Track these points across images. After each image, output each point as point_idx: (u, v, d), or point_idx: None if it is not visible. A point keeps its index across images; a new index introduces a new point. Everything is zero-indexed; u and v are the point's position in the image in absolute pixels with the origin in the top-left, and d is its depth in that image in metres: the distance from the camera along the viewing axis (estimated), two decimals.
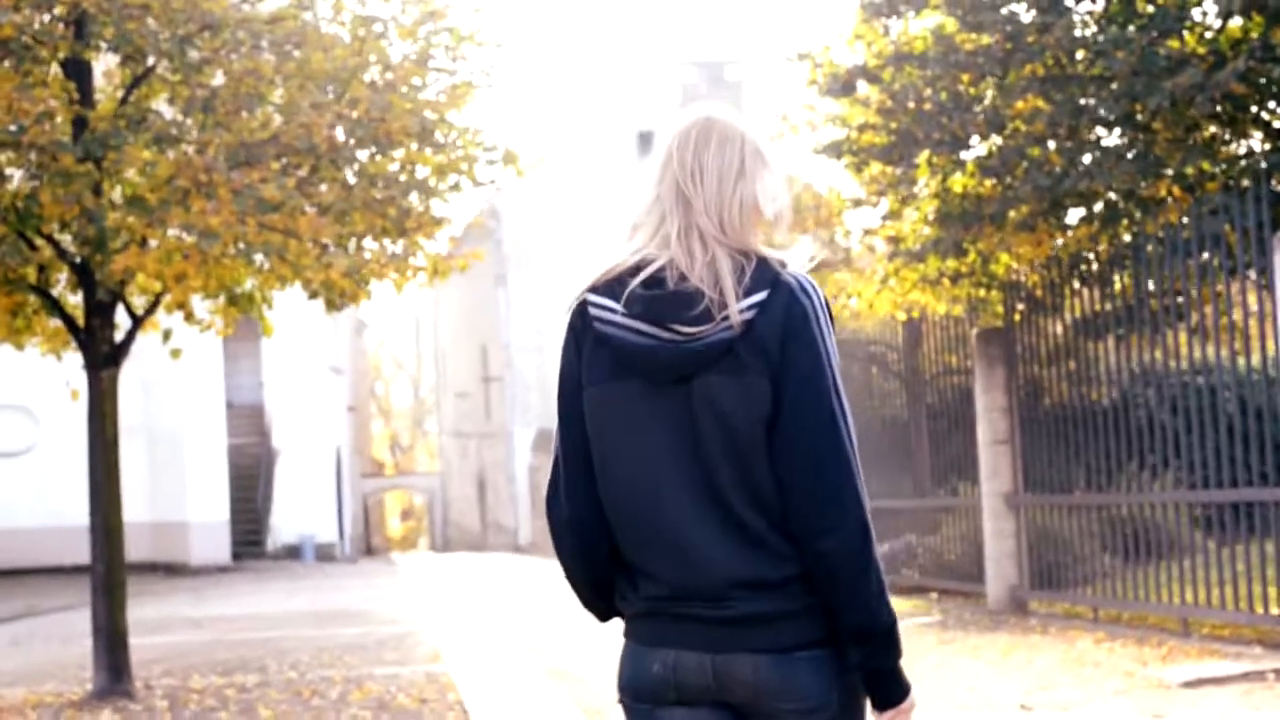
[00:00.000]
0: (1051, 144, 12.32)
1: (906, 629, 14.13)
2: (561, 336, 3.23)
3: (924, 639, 13.27)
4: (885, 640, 3.04)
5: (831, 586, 3.02)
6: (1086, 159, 12.26)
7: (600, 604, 3.28)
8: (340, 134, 11.03)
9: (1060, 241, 12.97)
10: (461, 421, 56.89)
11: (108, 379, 12.42)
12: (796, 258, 3.15)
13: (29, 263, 11.22)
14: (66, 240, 11.68)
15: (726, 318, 3.01)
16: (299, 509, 37.29)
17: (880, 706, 3.09)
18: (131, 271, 11.20)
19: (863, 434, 18.31)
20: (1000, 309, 14.06)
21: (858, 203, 15.06)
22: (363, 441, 59.55)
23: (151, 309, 12.45)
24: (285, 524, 36.81)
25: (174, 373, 32.37)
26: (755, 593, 3.04)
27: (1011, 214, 12.81)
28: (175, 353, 12.83)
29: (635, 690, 3.17)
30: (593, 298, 3.13)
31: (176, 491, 32.37)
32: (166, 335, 12.82)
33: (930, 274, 13.94)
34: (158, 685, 12.91)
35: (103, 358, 12.37)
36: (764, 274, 3.06)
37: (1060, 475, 13.68)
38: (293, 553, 36.53)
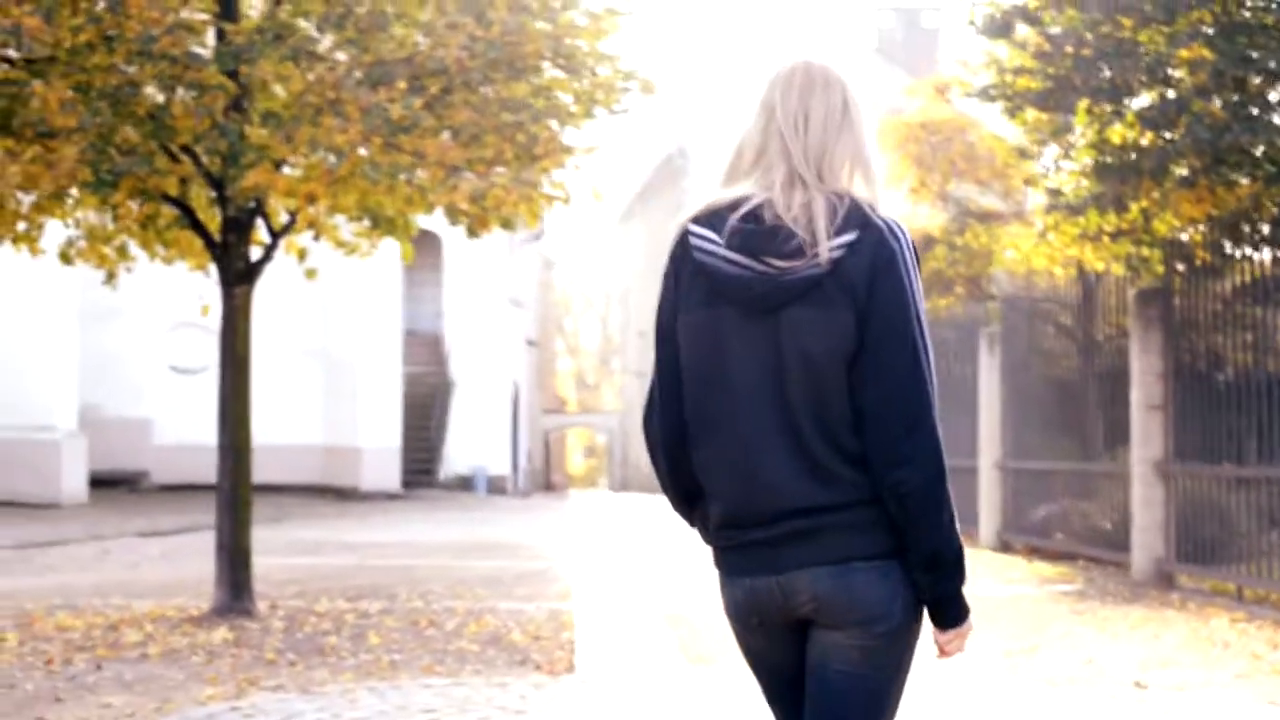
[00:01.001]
0: (1216, 97, 11.69)
1: (1044, 596, 13.67)
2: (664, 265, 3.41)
3: (1057, 607, 12.81)
4: (952, 567, 3.24)
5: (904, 514, 3.20)
6: (1252, 113, 11.61)
7: (688, 513, 3.51)
8: (470, 55, 10.81)
9: (1224, 200, 12.33)
10: (644, 361, 56.86)
11: (241, 296, 12.40)
12: (888, 202, 3.31)
13: (163, 174, 11.19)
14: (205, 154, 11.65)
15: (816, 254, 3.17)
16: (473, 440, 37.48)
17: (942, 626, 3.32)
18: (262, 189, 11.13)
19: (1029, 393, 17.79)
20: (1160, 269, 13.47)
21: (1022, 153, 14.53)
22: (546, 377, 59.83)
23: (286, 228, 12.40)
24: (459, 455, 37.03)
25: (353, 298, 32.77)
26: (807, 515, 3.24)
27: (1173, 169, 12.22)
28: (310, 273, 12.78)
29: (731, 615, 3.41)
30: (694, 228, 3.31)
31: (350, 417, 32.70)
32: (301, 255, 12.76)
33: (1090, 229, 13.38)
34: (284, 605, 12.95)
35: (237, 274, 12.35)
36: (855, 216, 3.21)
37: (1218, 445, 13.07)
38: (465, 484, 36.76)
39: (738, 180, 3.33)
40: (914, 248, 3.29)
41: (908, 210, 20.65)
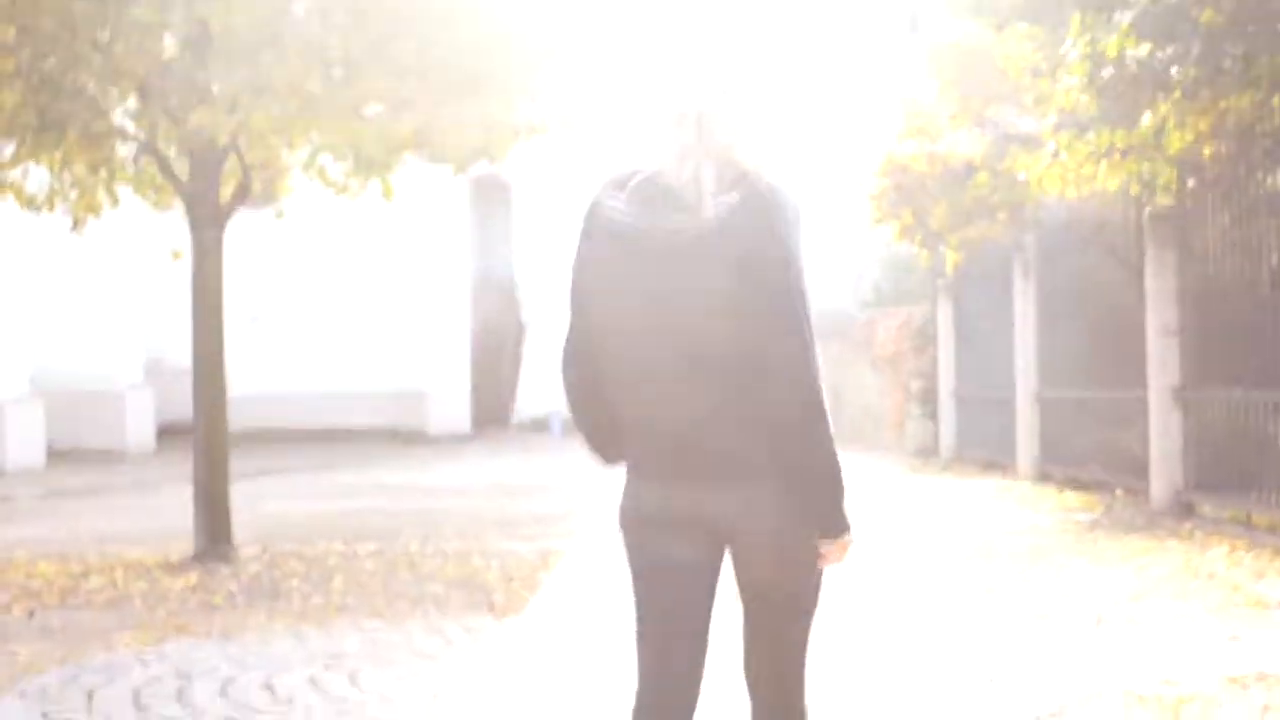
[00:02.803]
0: (1211, 7, 10.95)
1: (1055, 527, 13.14)
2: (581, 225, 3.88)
3: (1062, 539, 12.29)
4: (830, 486, 3.72)
5: (786, 441, 3.67)
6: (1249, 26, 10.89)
7: (600, 449, 4.01)
8: None
9: (1229, 112, 11.62)
10: None
11: (211, 240, 12.09)
12: (774, 167, 3.80)
13: (108, 116, 10.91)
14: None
15: (702, 214, 3.68)
16: (547, 383, 37.18)
17: (823, 536, 3.77)
18: (208, 130, 10.78)
19: (1067, 320, 17.14)
20: (1174, 186, 12.80)
21: (1035, 71, 13.89)
22: None
23: (250, 170, 12.06)
24: (533, 397, 36.73)
25: (420, 241, 32.56)
26: (713, 434, 3.71)
27: (1176, 79, 11.55)
28: (279, 213, 12.46)
29: (630, 517, 3.88)
30: (605, 192, 3.83)
31: (417, 361, 32.53)
32: (276, 195, 12.43)
33: (1100, 147, 12.74)
34: (274, 550, 12.70)
35: (205, 218, 12.03)
36: (740, 181, 3.71)
37: (1236, 369, 12.39)
38: (539, 426, 36.44)
39: (647, 151, 3.83)
40: (797, 208, 3.73)
41: (948, 138, 19.99)
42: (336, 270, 32.28)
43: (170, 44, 11.13)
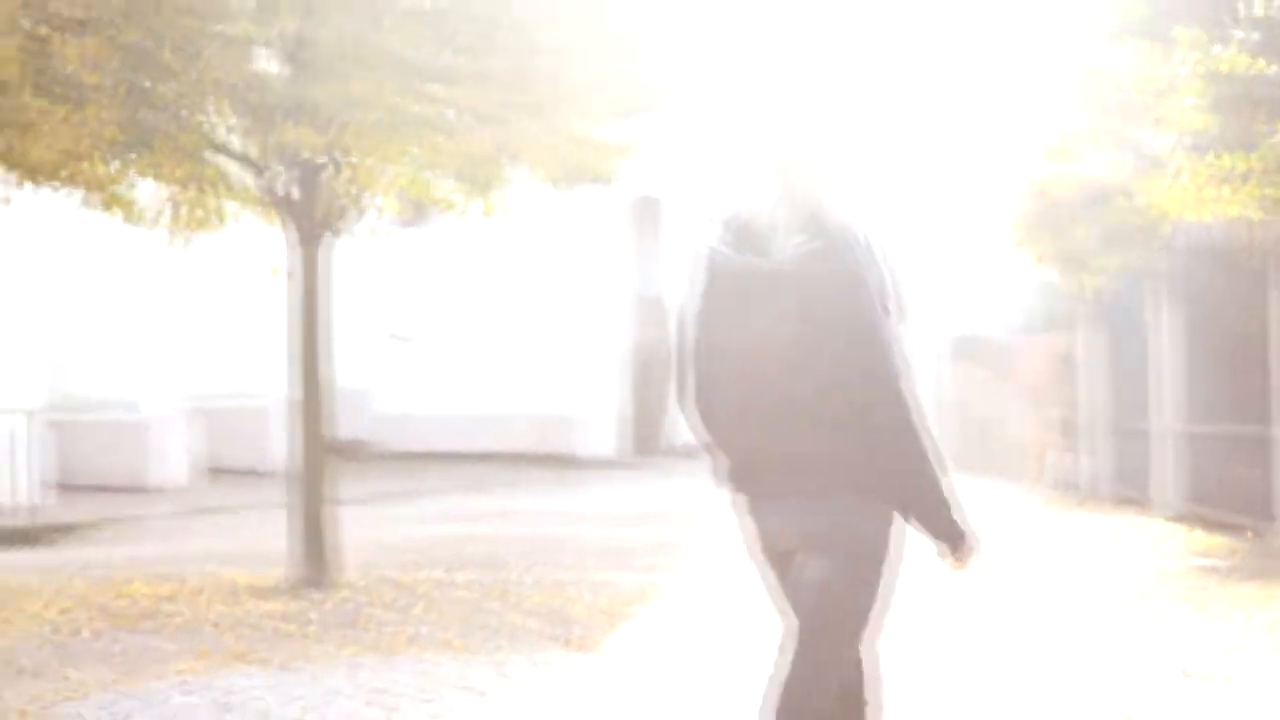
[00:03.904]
0: None
1: (1175, 571, 12.59)
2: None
3: (1177, 582, 11.74)
4: (931, 498, 4.00)
5: (882, 460, 3.96)
6: None
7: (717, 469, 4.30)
8: None
9: None
10: None
11: (308, 256, 11.98)
12: (856, 212, 4.08)
13: (194, 132, 10.86)
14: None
15: (787, 255, 4.01)
16: None
17: (944, 551, 4.06)
18: (292, 146, 10.69)
19: (1211, 351, 16.52)
20: None
21: (1162, 92, 13.35)
22: None
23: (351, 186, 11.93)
24: (683, 423, 36.40)
25: (574, 261, 32.48)
26: (797, 461, 4.03)
27: None
28: (373, 232, 12.34)
29: (748, 547, 4.24)
30: (713, 229, 4.18)
31: (567, 384, 32.43)
32: (373, 212, 12.26)
33: (1222, 170, 12.18)
34: (372, 576, 12.54)
35: (303, 234, 11.92)
36: (822, 223, 4.02)
37: None
38: (688, 452, 36.12)
39: (742, 198, 4.18)
40: (869, 243, 4.03)
41: (1085, 161, 19.39)
42: (488, 291, 32.30)
43: (263, 55, 11.06)
